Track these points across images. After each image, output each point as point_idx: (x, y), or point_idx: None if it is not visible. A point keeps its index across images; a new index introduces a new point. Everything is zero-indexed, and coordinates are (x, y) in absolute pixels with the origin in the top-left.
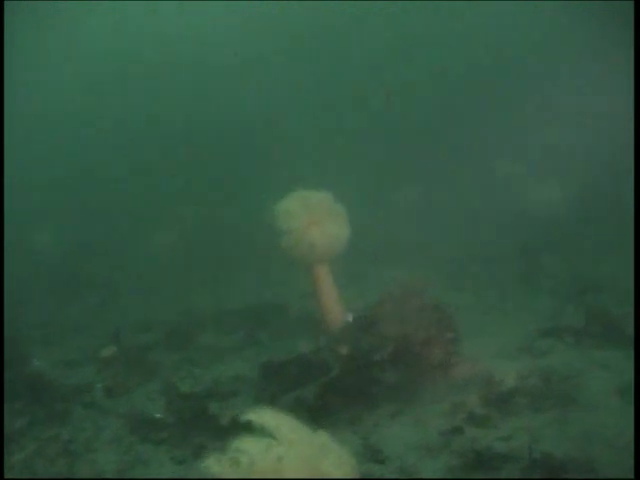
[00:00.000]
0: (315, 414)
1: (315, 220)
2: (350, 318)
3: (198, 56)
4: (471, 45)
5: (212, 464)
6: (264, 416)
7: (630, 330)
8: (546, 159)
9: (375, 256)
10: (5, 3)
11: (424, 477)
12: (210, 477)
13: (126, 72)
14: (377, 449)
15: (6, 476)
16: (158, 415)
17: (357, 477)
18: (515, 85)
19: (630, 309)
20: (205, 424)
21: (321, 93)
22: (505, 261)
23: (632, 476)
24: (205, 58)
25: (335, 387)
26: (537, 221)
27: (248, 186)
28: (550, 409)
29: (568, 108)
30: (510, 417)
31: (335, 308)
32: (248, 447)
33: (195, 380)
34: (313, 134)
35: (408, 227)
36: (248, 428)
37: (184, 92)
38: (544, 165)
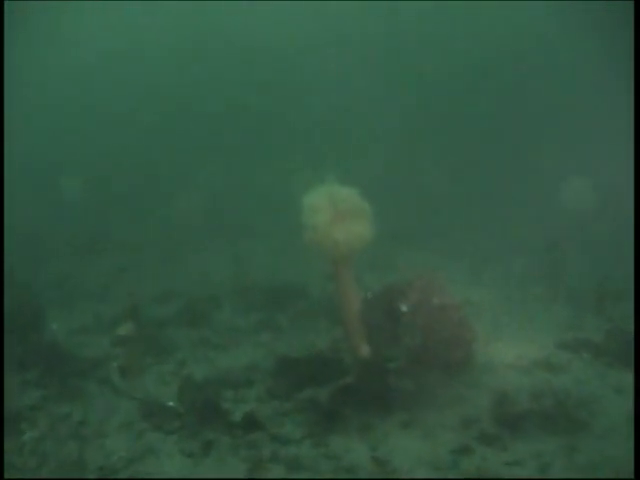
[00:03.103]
0: (327, 417)
1: (340, 217)
2: (369, 295)
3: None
4: None
5: None
6: None
7: None
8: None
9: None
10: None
11: None
12: None
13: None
14: (386, 461)
15: (16, 457)
16: (171, 403)
17: None
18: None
19: None
20: (216, 417)
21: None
22: (531, 257)
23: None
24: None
25: (349, 391)
26: (568, 217)
27: (280, 155)
28: (561, 434)
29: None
30: (521, 439)
31: (354, 304)
32: None
33: (209, 364)
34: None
35: (437, 211)
36: None
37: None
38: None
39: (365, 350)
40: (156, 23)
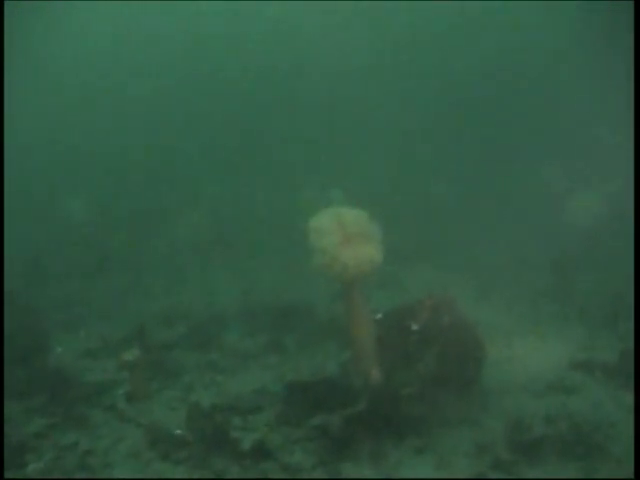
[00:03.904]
0: (338, 445)
1: (349, 239)
2: (379, 316)
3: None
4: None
5: None
6: None
7: None
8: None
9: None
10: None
11: None
12: None
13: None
14: None
15: None
16: (178, 431)
17: None
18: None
19: None
20: (225, 446)
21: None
22: (539, 272)
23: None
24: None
25: (361, 418)
26: (575, 231)
27: (284, 170)
28: (578, 459)
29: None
30: (537, 466)
31: (365, 327)
32: None
33: (217, 389)
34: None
35: (442, 225)
36: None
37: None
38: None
39: (376, 375)
40: (154, 27)
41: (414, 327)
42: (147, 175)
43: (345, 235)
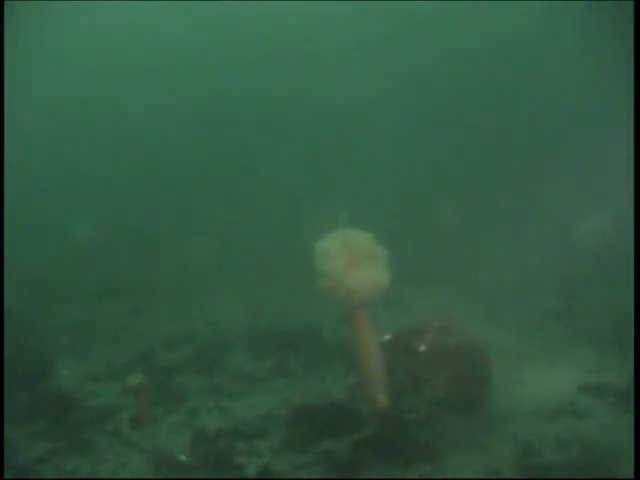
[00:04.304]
0: (345, 471)
1: (355, 263)
2: (386, 338)
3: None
4: None
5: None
6: None
7: None
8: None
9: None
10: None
11: None
12: None
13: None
14: None
15: None
16: (183, 457)
17: None
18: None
19: None
20: (230, 472)
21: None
22: (546, 295)
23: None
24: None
25: (368, 443)
26: (582, 254)
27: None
28: None
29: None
30: None
31: (371, 351)
32: None
33: (222, 414)
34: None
35: (448, 247)
36: None
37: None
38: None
39: (383, 400)
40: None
41: (421, 348)
42: (153, 197)
43: (351, 258)
